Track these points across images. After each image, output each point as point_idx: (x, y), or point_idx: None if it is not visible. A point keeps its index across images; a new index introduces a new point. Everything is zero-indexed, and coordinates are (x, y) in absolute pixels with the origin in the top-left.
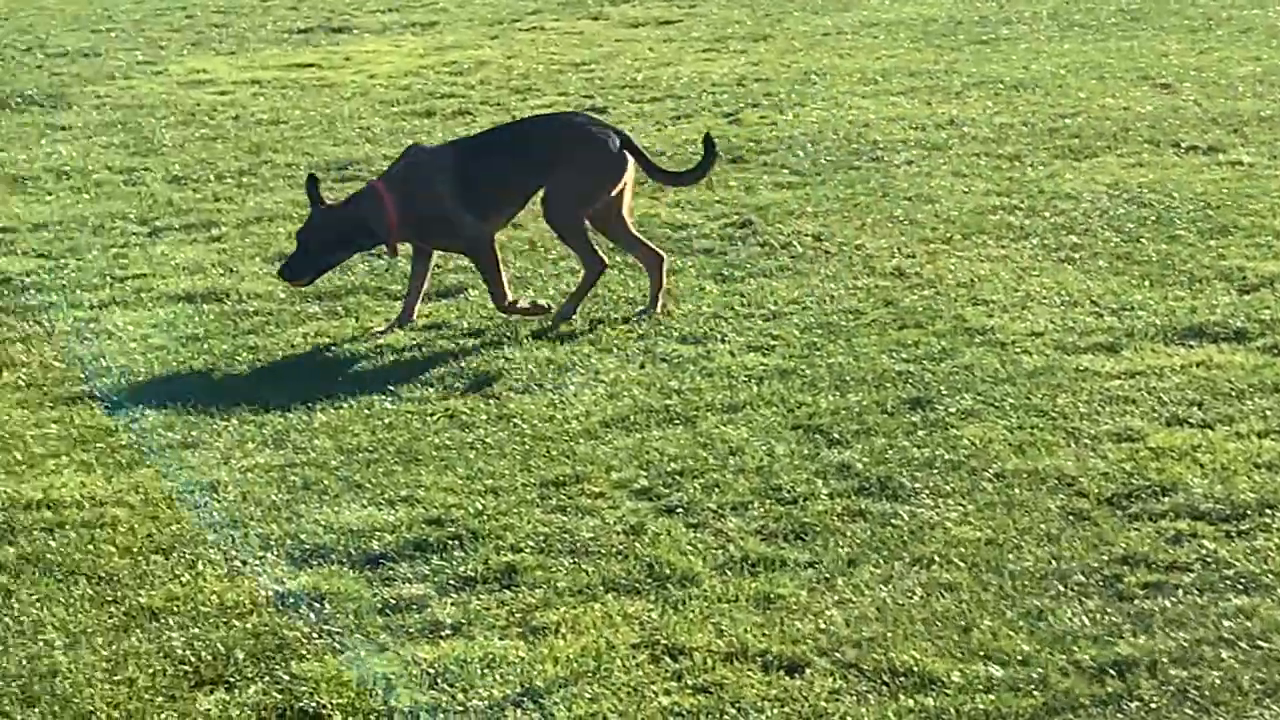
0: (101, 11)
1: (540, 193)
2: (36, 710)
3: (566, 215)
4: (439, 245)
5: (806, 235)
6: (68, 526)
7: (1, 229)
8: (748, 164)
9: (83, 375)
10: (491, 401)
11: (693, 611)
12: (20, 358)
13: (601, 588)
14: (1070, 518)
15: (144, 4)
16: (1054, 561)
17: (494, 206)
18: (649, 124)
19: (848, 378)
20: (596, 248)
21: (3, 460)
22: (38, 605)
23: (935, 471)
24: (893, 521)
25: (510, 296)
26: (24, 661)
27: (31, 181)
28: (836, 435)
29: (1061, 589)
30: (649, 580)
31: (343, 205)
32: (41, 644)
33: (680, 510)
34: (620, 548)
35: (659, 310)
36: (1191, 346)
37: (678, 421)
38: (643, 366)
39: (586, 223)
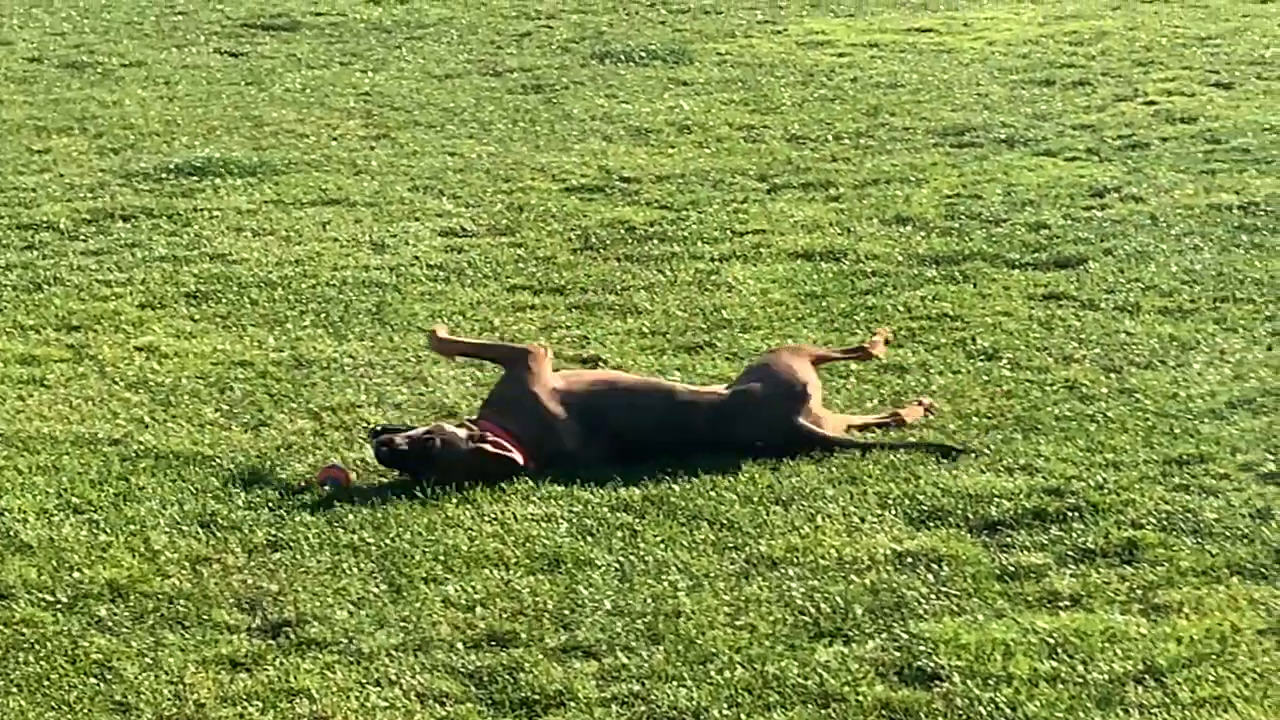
0: None
1: None
2: (661, 648)
3: None
4: None
5: None
6: (690, 472)
7: (626, 179)
8: None
9: (704, 326)
10: (1113, 375)
11: None
12: (644, 305)
13: (1226, 570)
14: None
15: None
16: None
17: None
18: (1279, 102)
19: None
20: None
21: None
22: (662, 546)
23: None
24: None
25: None
26: (649, 600)
27: (655, 134)
28: None
29: None
30: (1276, 566)
31: None
32: (666, 584)
33: None
34: (1246, 531)
35: None
36: None
37: None
38: (1270, 349)
39: None
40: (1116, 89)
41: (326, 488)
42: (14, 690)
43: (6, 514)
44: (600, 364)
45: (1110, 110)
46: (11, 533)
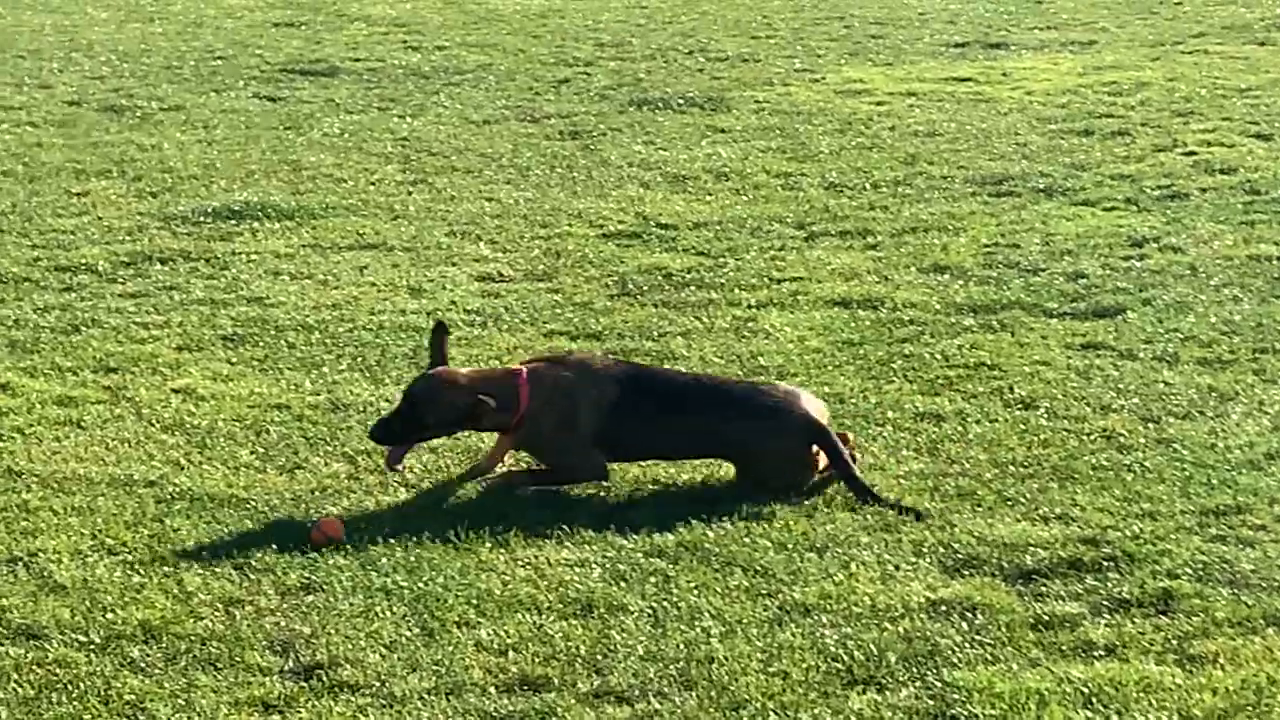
0: (760, 19)
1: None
2: (693, 694)
3: None
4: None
5: None
6: (725, 518)
7: (663, 225)
8: None
9: (741, 372)
10: (1151, 425)
11: None
12: (681, 351)
13: (1262, 621)
14: None
15: (802, 13)
16: None
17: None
18: None
19: None
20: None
21: None
22: (695, 593)
23: None
24: None
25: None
26: (682, 645)
27: (692, 181)
28: None
29: None
30: None
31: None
32: (699, 630)
33: None
34: None
35: None
36: None
37: None
38: None
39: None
40: (1156, 139)
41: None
42: None
43: (41, 554)
44: None
45: (1149, 160)
46: (46, 573)
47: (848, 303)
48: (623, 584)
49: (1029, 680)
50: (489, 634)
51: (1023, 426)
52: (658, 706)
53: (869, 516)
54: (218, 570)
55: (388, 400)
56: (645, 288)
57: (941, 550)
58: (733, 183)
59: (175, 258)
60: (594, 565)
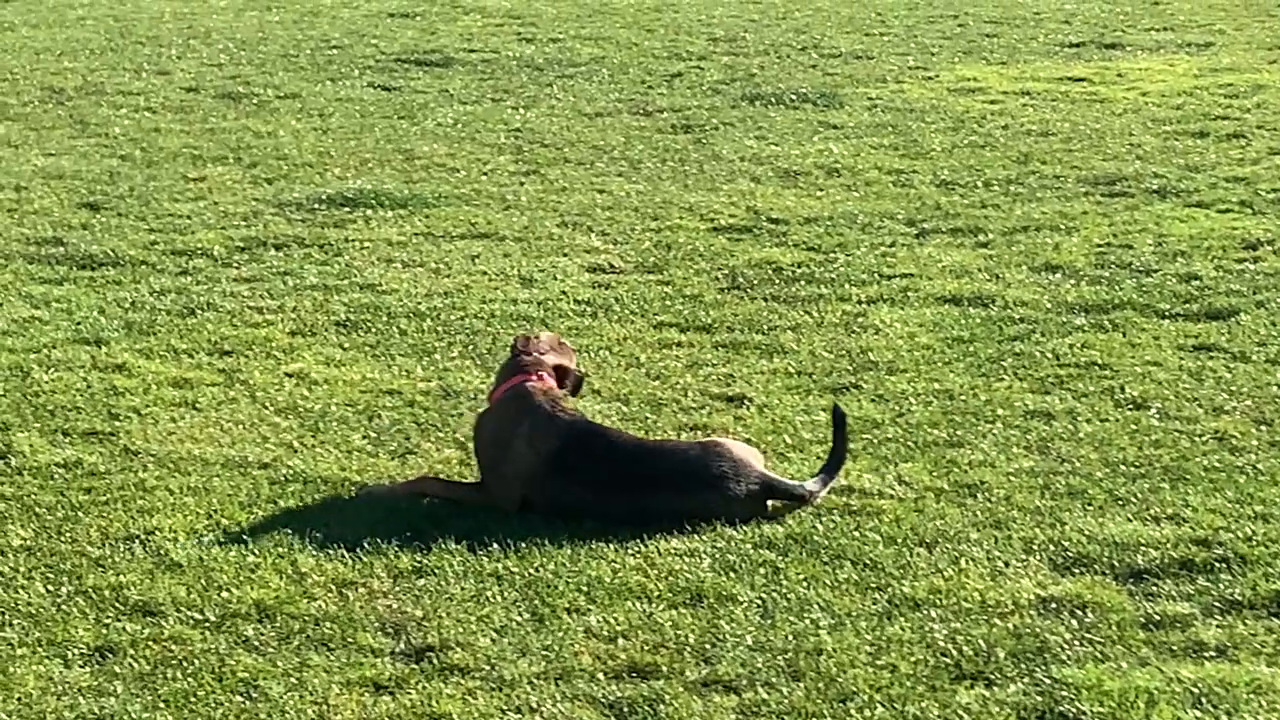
0: (874, 16)
1: None
2: (801, 684)
3: None
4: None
5: None
6: (835, 512)
7: (774, 220)
8: None
9: (850, 367)
10: (1263, 428)
11: None
12: (790, 345)
13: None
14: None
15: (916, 10)
16: None
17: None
18: None
19: None
20: None
21: (773, 443)
22: (804, 585)
23: None
24: None
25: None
26: (790, 637)
27: (803, 176)
28: None
29: None
30: None
31: None
32: (807, 622)
33: None
34: None
35: None
36: None
37: None
38: None
39: None
40: (1271, 142)
41: None
42: (162, 706)
43: (158, 533)
44: (746, 402)
45: (1265, 163)
46: (162, 551)
47: (958, 300)
48: (732, 574)
49: (1138, 679)
50: (598, 621)
51: (1134, 426)
52: (765, 696)
53: (978, 513)
54: (330, 552)
55: None
56: (755, 281)
57: (1051, 548)
58: (844, 178)
59: (289, 244)
60: (703, 555)
